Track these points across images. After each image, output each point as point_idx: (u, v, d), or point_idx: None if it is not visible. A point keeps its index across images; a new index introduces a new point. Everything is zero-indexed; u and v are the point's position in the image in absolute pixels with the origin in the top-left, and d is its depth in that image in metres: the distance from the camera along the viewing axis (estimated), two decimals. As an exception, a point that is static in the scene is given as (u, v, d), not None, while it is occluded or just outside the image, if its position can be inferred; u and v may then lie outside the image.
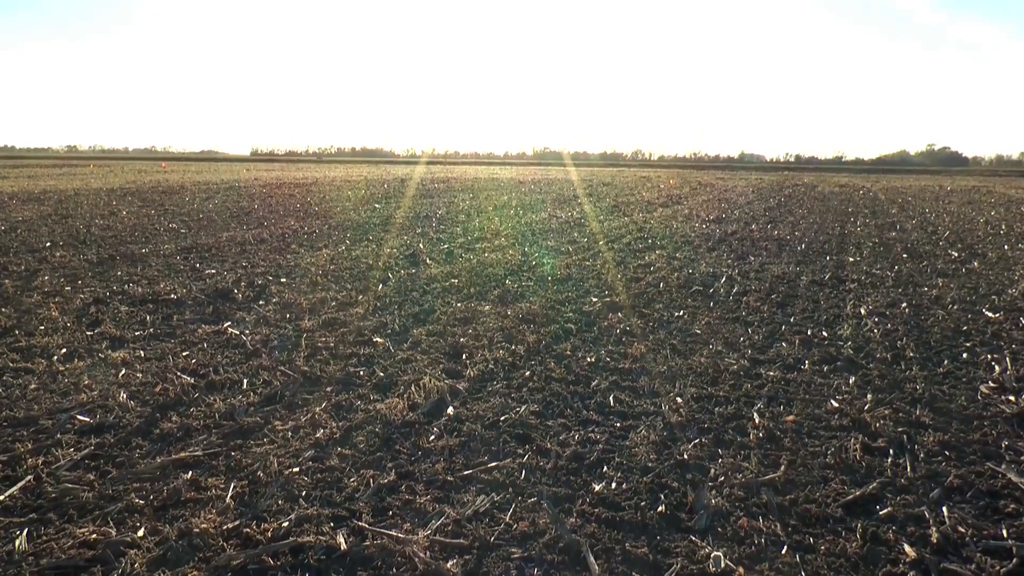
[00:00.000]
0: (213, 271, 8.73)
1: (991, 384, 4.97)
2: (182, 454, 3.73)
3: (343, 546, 2.93)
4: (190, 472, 3.54)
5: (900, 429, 4.18)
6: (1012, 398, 4.68)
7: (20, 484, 3.36)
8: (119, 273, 8.52)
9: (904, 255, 10.84)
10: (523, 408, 4.43)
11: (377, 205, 18.83)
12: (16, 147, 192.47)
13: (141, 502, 3.24)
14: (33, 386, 4.65)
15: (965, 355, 5.68)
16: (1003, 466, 3.73)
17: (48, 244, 10.65)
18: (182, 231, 12.66)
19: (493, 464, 3.70)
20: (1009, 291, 8.12)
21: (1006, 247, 11.90)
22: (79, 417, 4.16)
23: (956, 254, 10.99)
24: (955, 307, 7.30)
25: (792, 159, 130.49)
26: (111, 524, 3.06)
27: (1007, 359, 5.52)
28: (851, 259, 10.39)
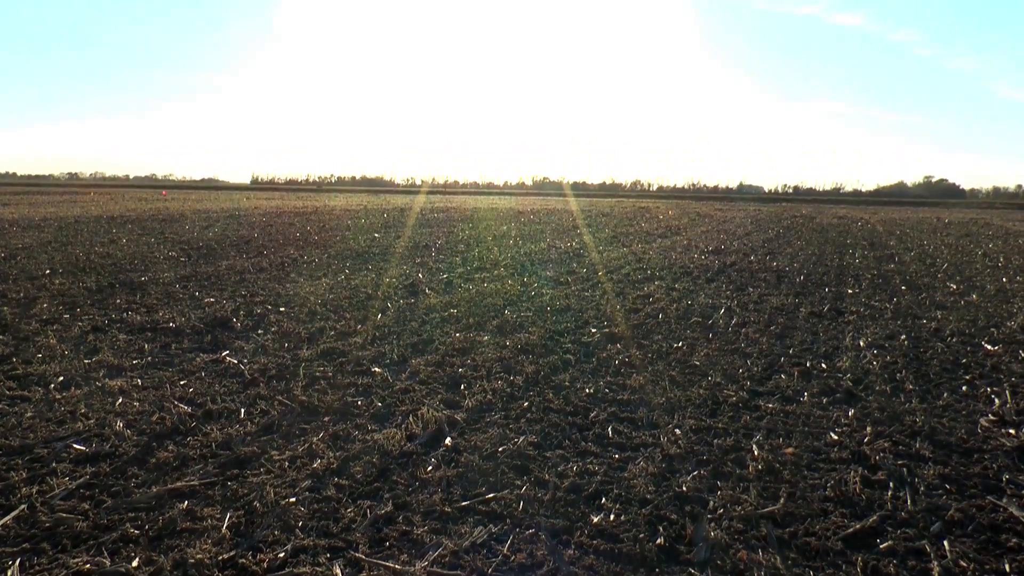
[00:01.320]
0: (212, 300, 8.73)
1: (991, 417, 4.96)
2: (178, 484, 3.71)
3: (339, 578, 2.90)
4: (186, 502, 3.52)
5: (900, 462, 4.16)
6: (1012, 431, 4.67)
7: (13, 513, 3.34)
8: (118, 301, 8.52)
9: (903, 287, 10.85)
10: (521, 439, 4.41)
11: (376, 234, 18.88)
12: (18, 174, 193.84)
13: (136, 532, 3.21)
14: (29, 414, 4.63)
15: (965, 388, 5.67)
16: (1004, 500, 3.71)
17: (47, 271, 10.65)
18: (181, 259, 12.69)
19: (491, 495, 3.68)
20: (1008, 324, 8.13)
21: (1004, 280, 11.92)
22: (75, 446, 4.14)
23: (955, 286, 11.01)
24: (954, 340, 7.30)
25: (790, 190, 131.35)
26: (105, 554, 3.03)
27: (1007, 392, 5.51)
28: (850, 291, 10.40)
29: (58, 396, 5.00)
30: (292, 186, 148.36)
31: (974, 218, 37.83)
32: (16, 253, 12.92)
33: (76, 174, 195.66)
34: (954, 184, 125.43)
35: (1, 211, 26.54)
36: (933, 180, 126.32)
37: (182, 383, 5.39)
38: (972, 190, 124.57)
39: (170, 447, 4.17)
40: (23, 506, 3.41)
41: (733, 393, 5.42)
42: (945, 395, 5.46)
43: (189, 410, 4.75)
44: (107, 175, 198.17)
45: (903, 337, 7.35)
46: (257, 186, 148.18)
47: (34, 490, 3.57)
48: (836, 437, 4.54)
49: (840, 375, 5.95)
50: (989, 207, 71.22)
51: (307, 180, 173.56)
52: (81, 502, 3.49)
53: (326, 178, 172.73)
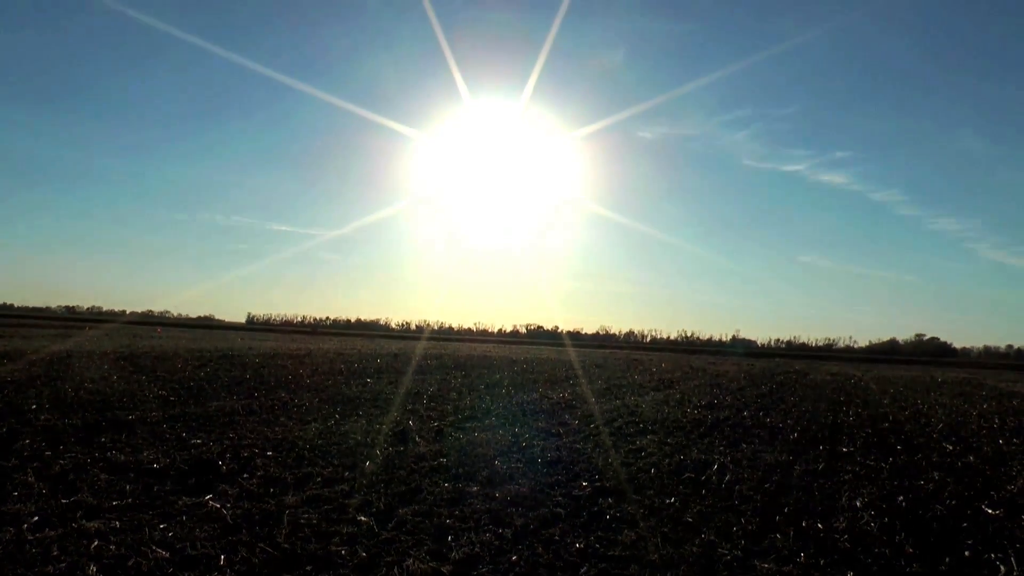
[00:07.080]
0: (199, 441, 8.60)
1: (995, 585, 4.81)
2: (147, 635, 3.54)
3: None
4: (154, 655, 3.34)
5: (903, 631, 4.00)
6: (1017, 601, 4.52)
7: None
8: (103, 439, 8.39)
9: (898, 447, 10.75)
10: (509, 595, 4.25)
11: (369, 380, 18.83)
12: (15, 305, 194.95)
13: None
14: (-1, 556, 4.47)
15: (967, 552, 5.53)
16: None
17: (34, 407, 10.54)
18: (171, 399, 12.58)
19: (476, 656, 3.51)
20: (1008, 487, 8.01)
21: (1001, 441, 11.84)
22: (43, 591, 3.97)
23: (951, 447, 10.91)
24: (953, 502, 7.17)
25: (783, 344, 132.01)
26: None
27: (1012, 559, 5.37)
28: (844, 449, 10.30)
29: (31, 537, 4.84)
30: (287, 327, 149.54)
31: (967, 378, 37.97)
32: (4, 387, 12.82)
33: (73, 308, 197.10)
34: (945, 343, 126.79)
35: (-6, 345, 26.50)
36: (924, 338, 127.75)
37: (162, 526, 5.23)
38: (963, 349, 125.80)
39: (143, 595, 4.00)
40: (-18, 656, 3.23)
41: (727, 552, 5.27)
42: (947, 559, 5.31)
43: (167, 555, 4.60)
44: (104, 309, 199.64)
45: (900, 498, 7.22)
46: (253, 326, 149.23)
47: (-5, 638, 3.40)
48: (836, 602, 4.38)
49: (837, 535, 5.80)
50: (981, 367, 71.70)
51: (303, 321, 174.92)
52: (43, 653, 3.32)
53: (321, 320, 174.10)
